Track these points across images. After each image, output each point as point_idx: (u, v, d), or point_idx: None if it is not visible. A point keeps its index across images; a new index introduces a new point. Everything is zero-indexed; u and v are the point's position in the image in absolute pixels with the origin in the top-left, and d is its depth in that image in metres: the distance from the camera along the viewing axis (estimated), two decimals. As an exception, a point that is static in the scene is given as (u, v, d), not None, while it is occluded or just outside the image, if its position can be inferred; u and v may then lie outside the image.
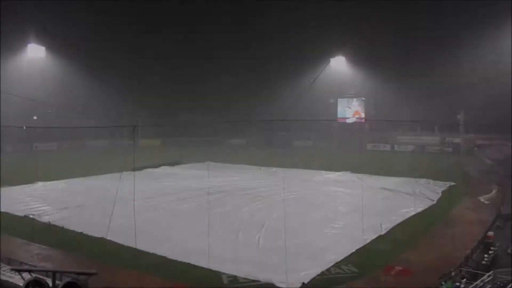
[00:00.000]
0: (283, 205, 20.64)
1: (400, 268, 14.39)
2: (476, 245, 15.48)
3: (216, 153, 49.39)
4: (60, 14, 55.54)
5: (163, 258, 15.41)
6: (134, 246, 15.00)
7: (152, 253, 15.76)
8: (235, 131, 67.90)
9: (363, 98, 65.48)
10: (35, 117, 60.25)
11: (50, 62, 61.57)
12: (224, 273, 13.83)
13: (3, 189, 28.40)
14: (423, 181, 31.06)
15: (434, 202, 24.80)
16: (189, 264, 14.74)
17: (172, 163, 41.66)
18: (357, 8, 57.71)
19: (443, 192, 27.36)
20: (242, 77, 65.18)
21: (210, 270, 14.05)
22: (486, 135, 50.56)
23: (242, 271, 13.92)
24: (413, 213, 21.86)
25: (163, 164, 40.72)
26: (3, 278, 12.81)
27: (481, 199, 24.94)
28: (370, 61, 60.55)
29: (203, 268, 14.24)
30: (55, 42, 57.28)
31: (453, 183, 28.58)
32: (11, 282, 12.34)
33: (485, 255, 14.24)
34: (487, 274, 11.73)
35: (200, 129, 66.45)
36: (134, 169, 27.94)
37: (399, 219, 20.66)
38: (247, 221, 20.28)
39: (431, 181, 30.85)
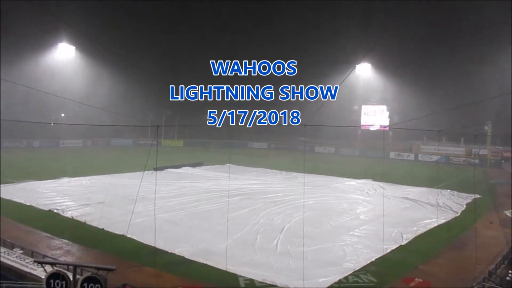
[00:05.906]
0: (302, 210, 20.56)
1: (420, 280, 14.10)
2: (501, 260, 15.04)
3: (237, 155, 49.64)
4: (91, 15, 56.79)
5: (181, 257, 15.54)
6: (153, 245, 15.16)
7: (171, 253, 15.91)
8: (257, 134, 67.99)
9: (388, 106, 64.58)
10: (62, 115, 61.74)
11: (80, 61, 63.12)
12: (241, 276, 13.84)
13: (29, 183, 29.33)
14: (447, 192, 30.47)
15: (458, 214, 24.21)
16: (206, 265, 14.82)
17: (194, 164, 41.99)
18: (384, 14, 57.21)
19: (467, 204, 26.71)
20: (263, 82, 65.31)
21: (228, 272, 14.08)
22: (514, 147, 49.24)
23: (259, 275, 13.88)
24: (435, 224, 21.36)
25: (185, 165, 41.08)
26: (26, 270, 13.18)
27: (507, 213, 24.25)
28: (397, 69, 59.74)
29: (220, 269, 14.29)
30: (85, 42, 58.56)
31: (478, 196, 27.84)
32: (34, 274, 12.72)
33: (510, 271, 13.80)
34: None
35: (222, 131, 66.93)
36: (156, 169, 28.32)
37: (421, 230, 20.24)
38: (266, 225, 20.24)
39: (456, 193, 30.18)
